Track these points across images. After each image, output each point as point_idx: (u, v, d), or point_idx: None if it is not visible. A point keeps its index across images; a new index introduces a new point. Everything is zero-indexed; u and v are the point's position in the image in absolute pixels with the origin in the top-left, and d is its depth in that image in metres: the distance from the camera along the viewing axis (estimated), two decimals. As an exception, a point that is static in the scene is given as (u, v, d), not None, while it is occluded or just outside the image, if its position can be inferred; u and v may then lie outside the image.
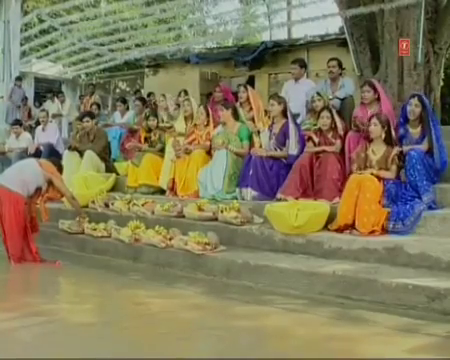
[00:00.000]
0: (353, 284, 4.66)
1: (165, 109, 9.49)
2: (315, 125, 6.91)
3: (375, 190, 5.62)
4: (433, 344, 3.74)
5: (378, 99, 6.65)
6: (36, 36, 16.05)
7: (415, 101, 6.05)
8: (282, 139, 6.97)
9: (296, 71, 8.46)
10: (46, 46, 16.71)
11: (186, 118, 8.29)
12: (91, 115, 9.66)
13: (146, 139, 8.85)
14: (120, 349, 3.66)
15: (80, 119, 10.06)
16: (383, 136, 5.97)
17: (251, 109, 7.86)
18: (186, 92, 9.52)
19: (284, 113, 7.04)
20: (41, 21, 15.64)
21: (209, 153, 7.67)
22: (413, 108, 6.04)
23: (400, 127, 6.22)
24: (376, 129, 5.96)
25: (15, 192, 6.46)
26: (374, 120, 5.99)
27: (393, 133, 6.05)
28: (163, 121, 9.04)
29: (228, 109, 7.59)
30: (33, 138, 11.23)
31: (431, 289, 4.29)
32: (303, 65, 8.61)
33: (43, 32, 16.07)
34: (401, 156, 5.93)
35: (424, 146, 5.96)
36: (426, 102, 6.14)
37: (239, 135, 7.44)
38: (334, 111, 6.78)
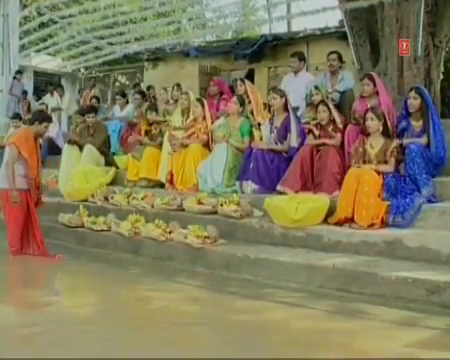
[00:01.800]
0: (353, 277, 4.66)
1: (166, 102, 9.48)
2: (314, 119, 6.91)
3: (374, 183, 5.63)
4: (433, 337, 3.75)
5: (377, 93, 6.64)
6: (35, 29, 16.03)
7: (413, 94, 6.06)
8: (283, 133, 6.98)
9: (295, 64, 8.45)
10: (45, 39, 16.66)
11: (182, 112, 8.28)
12: (95, 110, 9.64)
13: (147, 132, 8.84)
14: (119, 343, 3.67)
15: (81, 113, 10.04)
16: (380, 129, 5.98)
17: (249, 102, 7.86)
18: (179, 86, 9.49)
19: (285, 106, 7.05)
20: (40, 14, 15.58)
21: (207, 146, 7.67)
22: (411, 101, 6.06)
23: (402, 120, 6.22)
24: (373, 123, 5.96)
25: (4, 188, 6.51)
26: (370, 115, 5.99)
27: (389, 126, 6.05)
28: (164, 115, 9.03)
29: (241, 105, 7.56)
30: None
31: (430, 282, 4.30)
32: (302, 58, 8.59)
33: (42, 25, 16.04)
34: (400, 149, 5.93)
35: (424, 140, 5.96)
36: (425, 94, 6.14)
37: (240, 130, 7.43)
38: (331, 105, 6.77)
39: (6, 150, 6.68)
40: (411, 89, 6.20)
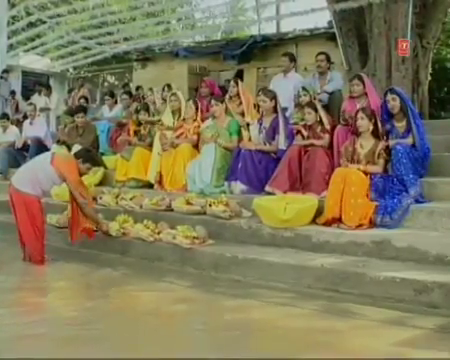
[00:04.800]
0: (341, 277, 4.67)
1: (153, 103, 9.45)
2: (303, 119, 6.92)
3: (361, 184, 5.64)
4: (420, 337, 3.77)
5: (367, 93, 6.66)
6: (23, 29, 15.96)
7: (391, 96, 6.09)
8: (272, 134, 6.98)
9: (286, 64, 8.47)
10: (33, 39, 16.60)
11: (173, 112, 8.26)
12: (84, 110, 9.60)
13: (136, 133, 8.81)
14: (107, 343, 3.65)
15: (70, 113, 9.99)
16: (371, 129, 6.00)
17: (241, 103, 7.88)
18: (169, 86, 9.48)
19: (274, 108, 7.06)
20: (29, 14, 15.52)
21: (196, 147, 7.66)
22: (392, 103, 6.09)
23: (385, 123, 6.25)
24: (363, 123, 5.99)
25: (25, 193, 6.06)
26: (361, 114, 6.02)
27: (379, 126, 6.09)
28: (154, 115, 9.01)
29: (222, 103, 7.58)
30: (21, 132, 11.16)
31: (418, 282, 4.31)
32: (293, 58, 8.62)
33: (30, 25, 15.97)
34: (387, 150, 5.96)
35: (409, 140, 5.99)
36: (402, 94, 6.16)
37: (229, 129, 7.43)
38: (319, 106, 6.77)
39: (53, 171, 6.10)
40: (386, 92, 6.22)
